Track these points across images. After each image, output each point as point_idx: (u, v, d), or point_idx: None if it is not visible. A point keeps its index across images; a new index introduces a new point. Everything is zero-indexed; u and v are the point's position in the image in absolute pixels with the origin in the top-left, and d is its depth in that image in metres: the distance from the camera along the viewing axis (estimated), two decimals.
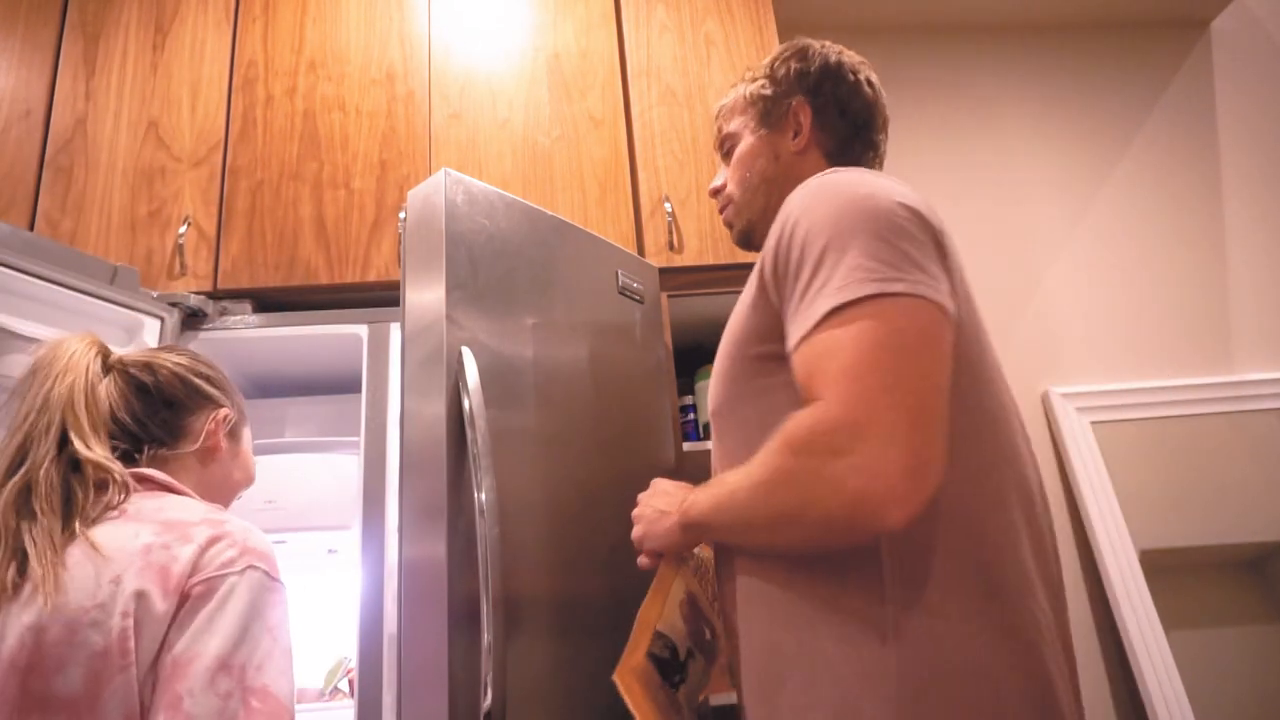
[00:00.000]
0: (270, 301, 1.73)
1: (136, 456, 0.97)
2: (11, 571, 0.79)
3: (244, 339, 1.64)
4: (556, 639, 1.13)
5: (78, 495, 0.86)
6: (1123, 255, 2.34)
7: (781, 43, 1.99)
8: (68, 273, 1.36)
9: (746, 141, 1.08)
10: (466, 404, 1.07)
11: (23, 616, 0.77)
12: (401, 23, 1.94)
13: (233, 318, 1.65)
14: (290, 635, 0.85)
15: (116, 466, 0.90)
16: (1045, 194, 2.39)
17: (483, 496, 1.02)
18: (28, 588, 0.78)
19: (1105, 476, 2.03)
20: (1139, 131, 2.47)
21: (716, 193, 1.12)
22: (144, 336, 1.50)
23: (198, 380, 1.05)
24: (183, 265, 1.70)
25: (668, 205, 1.80)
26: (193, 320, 1.62)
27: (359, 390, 1.58)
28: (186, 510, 0.89)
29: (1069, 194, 2.40)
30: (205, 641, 0.77)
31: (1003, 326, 2.25)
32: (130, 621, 0.77)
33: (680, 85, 1.93)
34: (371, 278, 1.72)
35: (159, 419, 1.00)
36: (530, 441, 1.19)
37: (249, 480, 1.12)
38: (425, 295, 1.15)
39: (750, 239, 1.08)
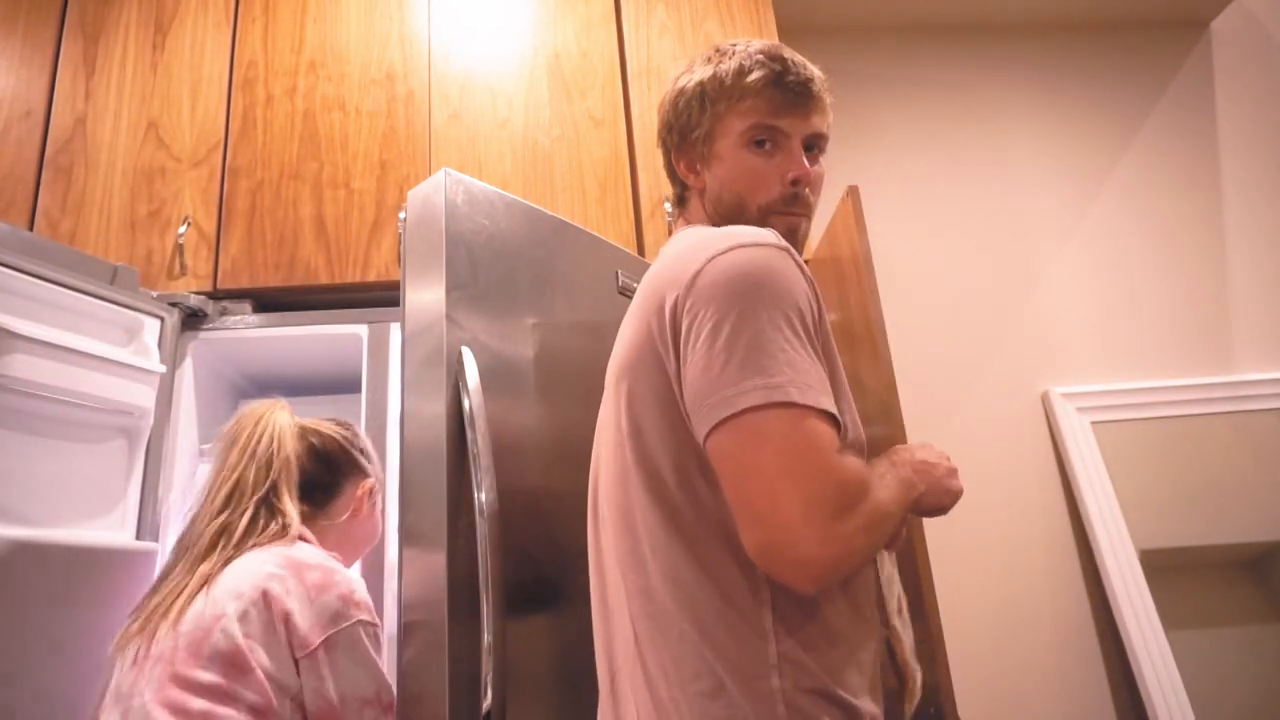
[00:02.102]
0: (270, 301, 1.73)
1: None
2: (175, 600, 1.06)
3: (244, 339, 1.64)
4: (557, 639, 1.13)
5: (251, 536, 1.11)
6: (1123, 255, 2.34)
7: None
8: (68, 273, 1.36)
9: (823, 166, 0.97)
10: (466, 404, 1.07)
11: (171, 630, 1.03)
12: (401, 23, 1.94)
13: (232, 318, 1.65)
14: None
15: (290, 520, 1.15)
16: (1045, 194, 2.39)
17: (483, 496, 1.02)
18: (174, 611, 1.05)
19: (1105, 476, 2.03)
20: (1139, 131, 2.47)
21: (806, 184, 0.93)
22: (144, 336, 1.50)
23: (357, 453, 1.28)
24: (183, 265, 1.70)
25: (668, 205, 1.80)
26: (193, 320, 1.62)
27: (359, 390, 1.58)
28: (305, 553, 1.11)
29: (1069, 194, 2.40)
30: (351, 687, 1.04)
31: (1002, 326, 2.25)
32: (243, 635, 1.00)
33: None
34: (371, 278, 1.72)
35: (319, 477, 1.23)
36: (530, 441, 1.19)
37: (377, 539, 1.34)
38: (425, 295, 1.15)
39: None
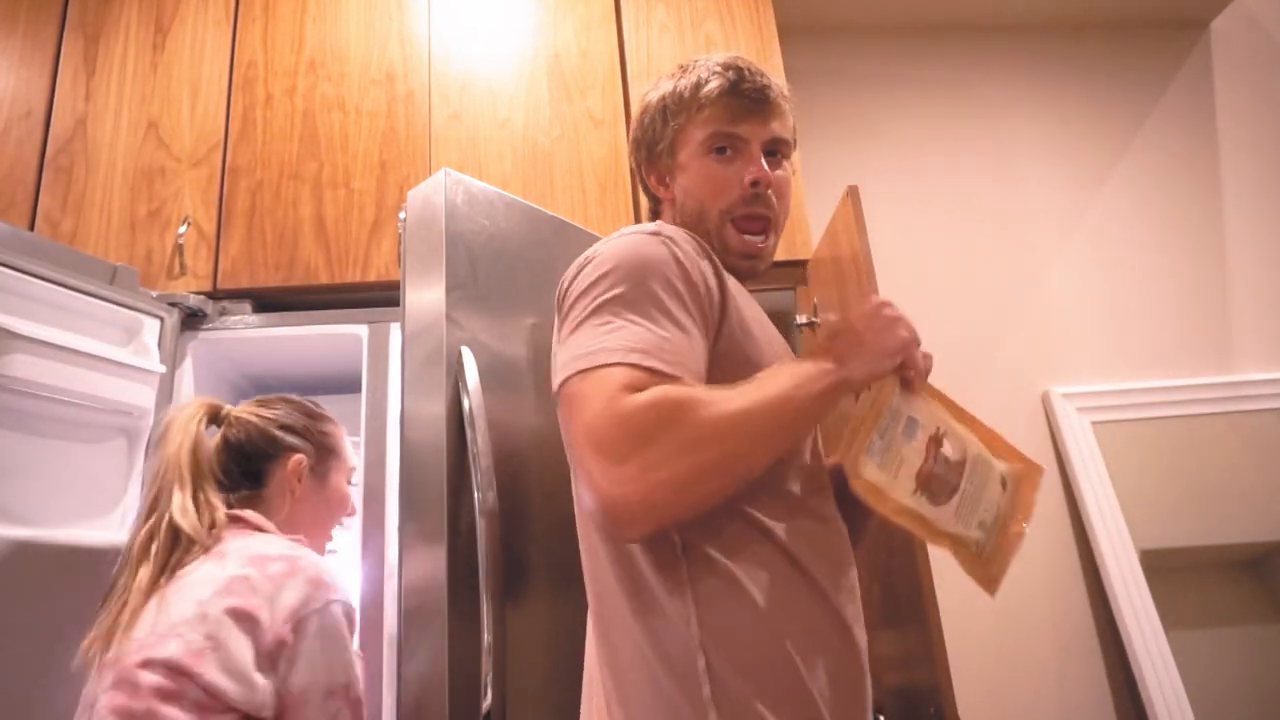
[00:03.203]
0: (270, 301, 1.73)
1: (231, 499, 1.15)
2: (124, 611, 1.01)
3: (244, 339, 1.64)
4: (557, 639, 1.13)
5: (181, 542, 1.06)
6: (1123, 255, 2.34)
7: (781, 43, 2.00)
8: (68, 273, 1.36)
9: (789, 171, 0.98)
10: (466, 404, 1.07)
11: (124, 637, 0.98)
12: (401, 23, 1.94)
13: (232, 318, 1.65)
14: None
15: (217, 514, 1.10)
16: (1045, 194, 2.39)
17: (482, 496, 1.02)
18: (125, 620, 1.00)
19: (1105, 476, 2.03)
20: (1139, 131, 2.46)
21: (766, 185, 0.93)
22: (144, 336, 1.50)
23: (277, 431, 1.21)
24: (182, 265, 1.70)
25: None
26: (192, 320, 1.62)
27: (359, 390, 1.58)
28: (268, 545, 1.06)
29: (1069, 194, 2.40)
30: (316, 675, 0.98)
31: (1002, 326, 2.25)
32: (197, 646, 0.95)
33: None
34: (371, 278, 1.72)
35: (240, 469, 1.18)
36: (530, 441, 1.19)
37: (344, 510, 1.28)
38: (425, 295, 1.15)
39: (760, 270, 0.97)
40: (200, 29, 1.90)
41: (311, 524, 1.21)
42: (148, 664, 0.94)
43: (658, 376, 0.72)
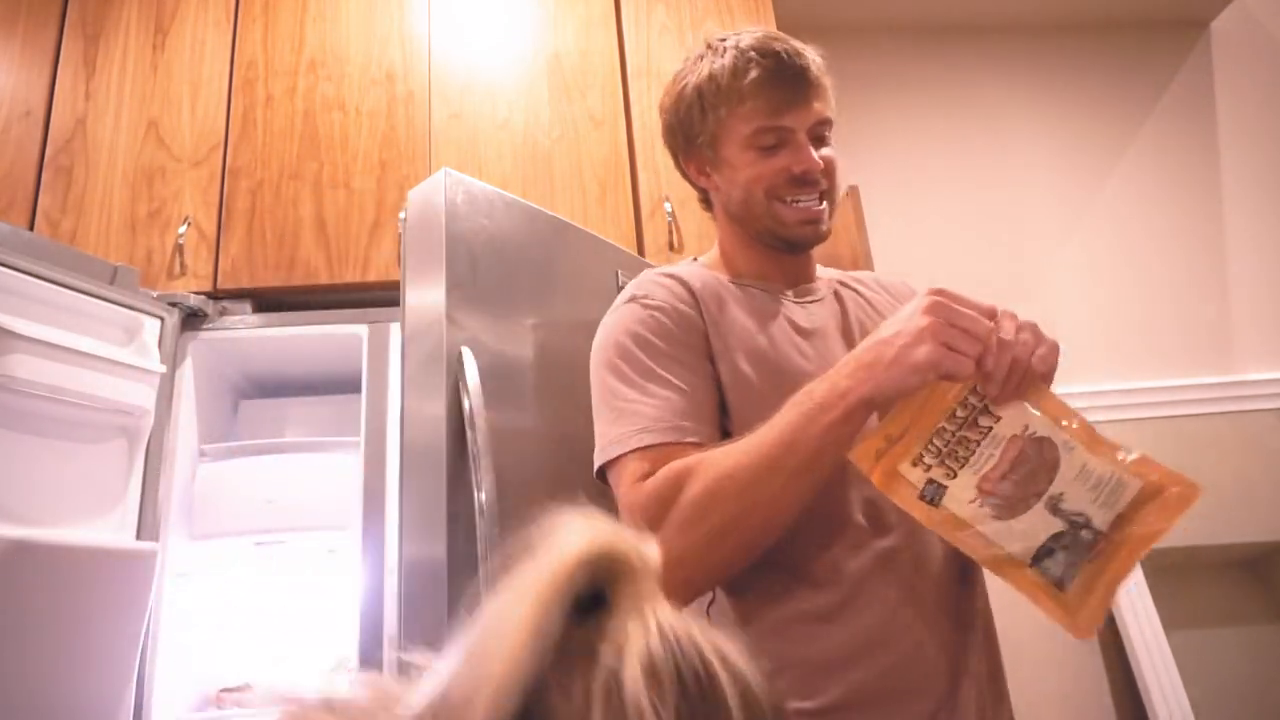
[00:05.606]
0: (270, 301, 1.73)
1: None
2: None
3: (244, 339, 1.64)
4: None
5: None
6: (1123, 255, 2.34)
7: None
8: (68, 273, 1.36)
9: (833, 148, 0.93)
10: (466, 404, 1.07)
11: None
12: (401, 23, 1.94)
13: (232, 318, 1.65)
14: None
15: None
16: (1045, 194, 2.39)
17: (483, 496, 1.02)
18: None
19: None
20: (1139, 132, 2.46)
21: (821, 173, 0.89)
22: (144, 336, 1.50)
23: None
24: (183, 265, 1.70)
25: (668, 205, 1.80)
26: (193, 320, 1.62)
27: (359, 390, 1.58)
28: None
29: (1069, 194, 2.40)
30: None
31: None
32: None
33: None
34: (371, 278, 1.72)
35: None
36: (530, 441, 1.19)
37: None
38: (425, 295, 1.15)
39: (823, 234, 0.93)
40: (200, 29, 1.90)
41: None
42: None
43: (666, 449, 0.76)
